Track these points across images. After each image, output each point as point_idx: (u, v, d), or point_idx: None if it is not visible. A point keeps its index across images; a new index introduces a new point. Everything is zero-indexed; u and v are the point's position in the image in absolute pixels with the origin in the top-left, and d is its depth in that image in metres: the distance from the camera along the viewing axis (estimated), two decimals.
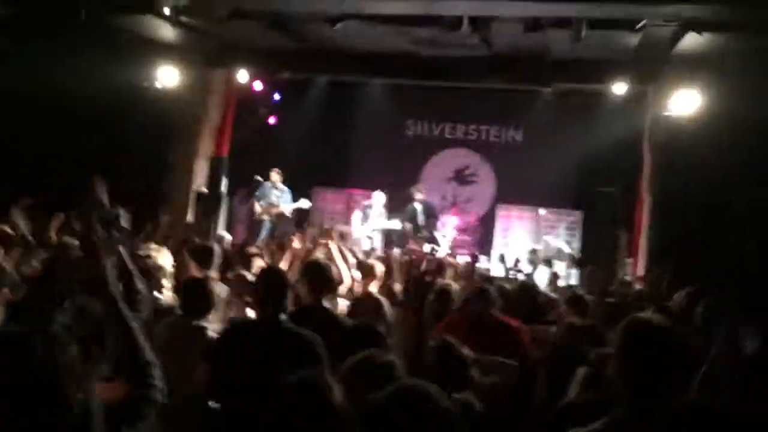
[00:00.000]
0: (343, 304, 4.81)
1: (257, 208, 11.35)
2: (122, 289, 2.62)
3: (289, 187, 11.73)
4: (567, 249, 11.17)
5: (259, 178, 11.84)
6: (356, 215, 12.19)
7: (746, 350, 3.15)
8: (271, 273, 3.80)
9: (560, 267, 10.72)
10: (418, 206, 11.97)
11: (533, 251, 11.50)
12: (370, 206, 12.01)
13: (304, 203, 11.78)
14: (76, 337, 1.84)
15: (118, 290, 2.21)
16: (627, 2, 7.70)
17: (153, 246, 5.14)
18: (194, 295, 3.87)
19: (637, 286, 7.84)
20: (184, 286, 4.09)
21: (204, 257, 4.87)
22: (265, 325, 3.43)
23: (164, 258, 4.75)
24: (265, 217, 11.38)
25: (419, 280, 2.70)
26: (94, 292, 2.23)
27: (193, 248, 5.14)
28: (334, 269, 4.04)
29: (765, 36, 8.08)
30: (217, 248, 5.13)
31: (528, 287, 5.85)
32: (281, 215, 11.49)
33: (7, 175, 9.03)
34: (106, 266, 2.22)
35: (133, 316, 2.17)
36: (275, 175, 11.55)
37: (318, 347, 3.19)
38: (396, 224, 11.50)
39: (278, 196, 11.48)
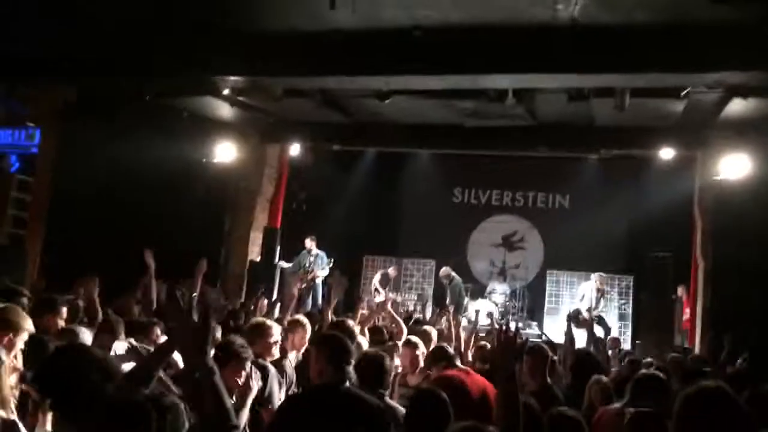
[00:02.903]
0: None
1: (297, 283, 11.39)
2: None
3: (339, 257, 11.90)
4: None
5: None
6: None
7: None
8: (337, 339, 3.66)
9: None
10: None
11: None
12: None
13: (339, 279, 11.81)
14: None
15: None
16: (669, 71, 7.80)
17: None
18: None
19: (696, 352, 7.70)
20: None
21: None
22: (330, 391, 3.30)
23: None
24: (305, 285, 11.43)
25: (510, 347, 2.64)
26: None
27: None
28: (388, 363, 3.91)
29: None
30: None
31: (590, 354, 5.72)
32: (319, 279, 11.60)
33: (71, 252, 9.49)
34: None
35: None
36: (309, 242, 11.71)
37: (386, 415, 3.13)
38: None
39: (311, 262, 11.58)
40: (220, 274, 11.54)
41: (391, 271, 12.79)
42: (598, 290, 11.16)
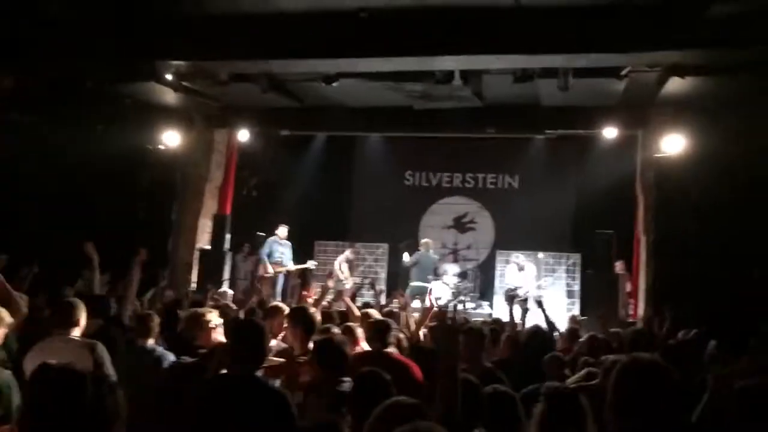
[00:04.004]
0: None
1: (268, 267, 11.38)
2: None
3: (291, 242, 11.89)
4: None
5: (261, 234, 12.03)
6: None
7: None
8: (250, 325, 3.62)
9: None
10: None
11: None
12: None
13: (310, 264, 11.96)
14: None
15: None
16: (610, 51, 8.00)
17: None
18: None
19: (638, 326, 7.94)
20: None
21: None
22: (240, 380, 3.25)
23: None
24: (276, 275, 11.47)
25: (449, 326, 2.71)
26: None
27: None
28: (348, 349, 3.95)
29: (744, 78, 8.39)
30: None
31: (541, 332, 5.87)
32: (286, 273, 11.66)
33: (12, 242, 9.20)
34: None
35: None
36: (283, 230, 11.71)
37: (291, 405, 3.14)
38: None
39: (282, 252, 11.61)
40: (168, 263, 11.34)
41: (349, 254, 12.78)
42: (520, 268, 11.65)
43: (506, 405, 3.06)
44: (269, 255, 11.51)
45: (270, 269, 11.34)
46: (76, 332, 4.22)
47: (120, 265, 7.01)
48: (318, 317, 4.74)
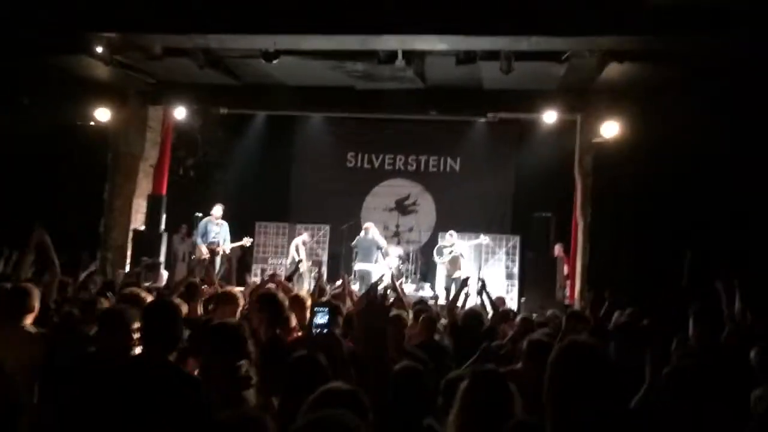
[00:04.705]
0: None
1: (202, 249, 11.13)
2: None
3: (230, 223, 11.64)
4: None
5: (199, 215, 11.74)
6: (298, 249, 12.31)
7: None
8: (162, 307, 3.35)
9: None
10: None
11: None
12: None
13: (246, 241, 11.81)
14: None
15: None
16: (552, 35, 8.04)
17: None
18: None
19: (575, 308, 8.09)
20: None
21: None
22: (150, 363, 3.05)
23: None
24: (210, 255, 11.21)
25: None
26: None
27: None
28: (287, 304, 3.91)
29: (680, 64, 8.58)
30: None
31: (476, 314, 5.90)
32: (222, 253, 11.44)
33: None
34: None
35: None
36: (218, 210, 11.43)
37: (205, 394, 2.95)
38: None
39: (217, 232, 11.35)
40: (100, 245, 10.93)
41: (306, 236, 12.60)
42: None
43: (414, 381, 3.01)
44: (204, 236, 11.25)
45: (204, 251, 11.09)
46: (29, 320, 3.95)
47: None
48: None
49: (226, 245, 11.42)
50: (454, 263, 11.73)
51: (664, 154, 9.27)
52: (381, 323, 2.57)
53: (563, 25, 7.78)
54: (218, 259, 11.37)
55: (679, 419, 2.63)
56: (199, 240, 11.27)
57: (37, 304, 4.01)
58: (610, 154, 9.87)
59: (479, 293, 7.19)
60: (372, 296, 2.69)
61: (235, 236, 11.67)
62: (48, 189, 10.39)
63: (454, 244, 11.86)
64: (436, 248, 12.26)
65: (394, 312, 4.79)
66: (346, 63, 9.74)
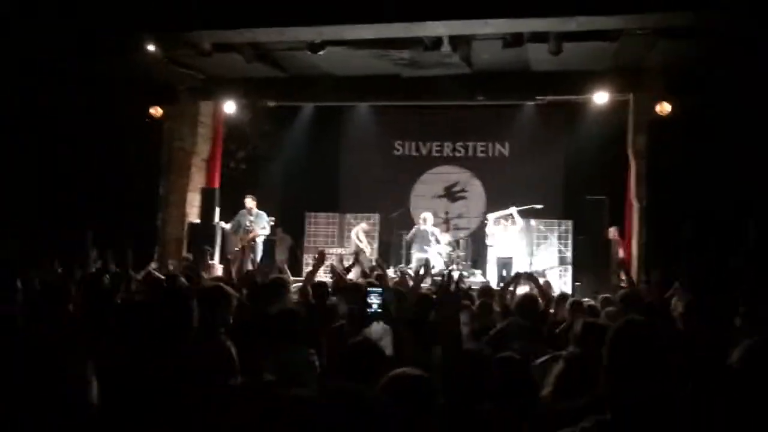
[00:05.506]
0: None
1: (238, 241, 11.21)
2: None
3: (280, 214, 11.75)
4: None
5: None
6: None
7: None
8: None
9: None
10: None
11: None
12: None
13: (270, 220, 11.61)
14: None
15: None
16: (599, 14, 7.88)
17: None
18: None
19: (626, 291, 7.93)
20: None
21: None
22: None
23: None
24: (249, 243, 11.24)
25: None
26: None
27: None
28: None
29: (728, 41, 8.29)
30: None
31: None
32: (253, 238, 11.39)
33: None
34: None
35: None
36: (250, 201, 11.47)
37: None
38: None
39: (252, 221, 11.37)
40: (158, 239, 11.24)
41: (365, 225, 12.69)
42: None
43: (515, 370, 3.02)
44: (237, 230, 11.33)
45: (238, 244, 11.15)
46: None
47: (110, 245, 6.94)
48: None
49: (260, 230, 11.26)
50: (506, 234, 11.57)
51: (719, 131, 8.99)
52: (454, 311, 2.63)
53: (610, 4, 7.62)
54: (259, 248, 11.43)
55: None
56: (231, 232, 11.35)
57: None
58: (665, 133, 9.62)
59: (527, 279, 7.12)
60: (445, 286, 2.75)
61: (287, 226, 11.79)
62: (107, 186, 10.73)
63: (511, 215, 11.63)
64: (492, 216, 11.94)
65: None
66: (392, 51, 9.73)
